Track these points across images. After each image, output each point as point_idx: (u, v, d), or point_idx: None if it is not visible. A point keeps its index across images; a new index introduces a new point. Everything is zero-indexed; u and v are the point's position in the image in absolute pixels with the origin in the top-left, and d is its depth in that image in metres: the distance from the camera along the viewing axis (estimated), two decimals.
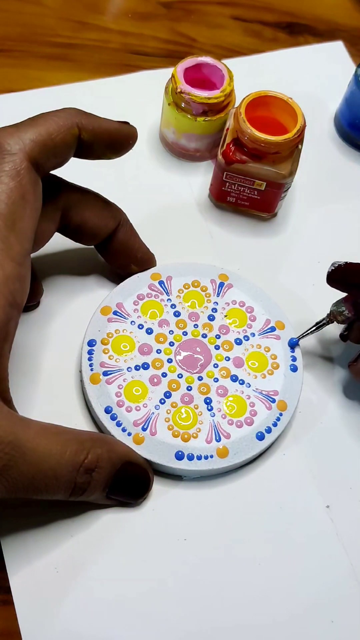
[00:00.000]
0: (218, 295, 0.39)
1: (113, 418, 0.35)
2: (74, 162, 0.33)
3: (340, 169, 0.48)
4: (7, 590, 0.32)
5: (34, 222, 0.31)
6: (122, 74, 0.50)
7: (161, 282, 0.39)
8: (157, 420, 0.35)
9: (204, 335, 0.38)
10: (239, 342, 0.38)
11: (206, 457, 0.34)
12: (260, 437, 0.35)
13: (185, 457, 0.34)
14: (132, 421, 0.35)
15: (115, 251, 0.38)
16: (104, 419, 0.35)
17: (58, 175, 0.35)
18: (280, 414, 0.36)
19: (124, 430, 0.34)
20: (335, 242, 0.44)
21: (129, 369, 0.36)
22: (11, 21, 0.52)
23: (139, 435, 0.34)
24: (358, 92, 0.46)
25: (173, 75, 0.42)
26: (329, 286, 0.36)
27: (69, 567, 0.33)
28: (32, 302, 0.39)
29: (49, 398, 0.37)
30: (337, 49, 0.54)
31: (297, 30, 0.55)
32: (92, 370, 0.36)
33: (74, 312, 0.39)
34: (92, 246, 0.38)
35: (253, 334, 0.38)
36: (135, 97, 0.49)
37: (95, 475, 0.31)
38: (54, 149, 0.31)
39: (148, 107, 0.47)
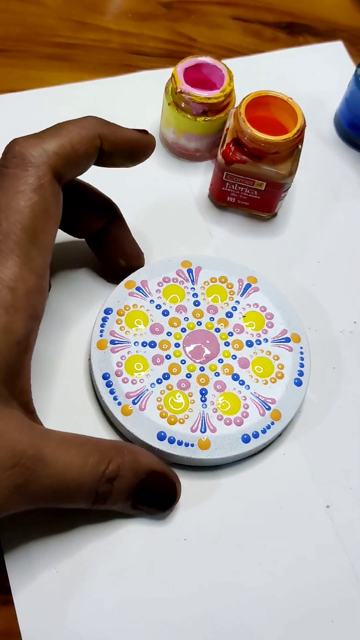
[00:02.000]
0: (242, 295, 0.39)
1: (108, 385, 0.35)
2: None
3: (340, 169, 0.48)
4: (7, 590, 0.32)
5: (55, 234, 0.31)
6: (122, 74, 0.50)
7: (189, 271, 0.39)
8: (149, 398, 0.35)
9: (217, 330, 0.38)
10: (250, 344, 0.38)
11: (187, 445, 0.34)
12: (246, 439, 0.35)
13: (167, 440, 0.34)
14: (125, 392, 0.35)
15: (105, 244, 0.38)
16: (100, 385, 0.35)
17: None
18: (272, 423, 0.35)
19: (115, 399, 0.35)
20: (335, 242, 0.44)
21: (136, 344, 0.37)
22: (11, 21, 0.52)
23: (128, 407, 0.35)
24: (358, 92, 0.46)
25: (173, 75, 0.42)
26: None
27: (69, 567, 0.33)
28: None
29: (52, 395, 0.37)
30: (337, 49, 0.54)
31: (297, 30, 0.55)
32: (101, 336, 0.36)
33: (75, 311, 0.39)
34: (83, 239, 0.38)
35: (266, 340, 0.38)
36: (135, 97, 0.49)
37: (117, 484, 0.30)
38: (76, 160, 0.31)
39: (148, 107, 0.47)
